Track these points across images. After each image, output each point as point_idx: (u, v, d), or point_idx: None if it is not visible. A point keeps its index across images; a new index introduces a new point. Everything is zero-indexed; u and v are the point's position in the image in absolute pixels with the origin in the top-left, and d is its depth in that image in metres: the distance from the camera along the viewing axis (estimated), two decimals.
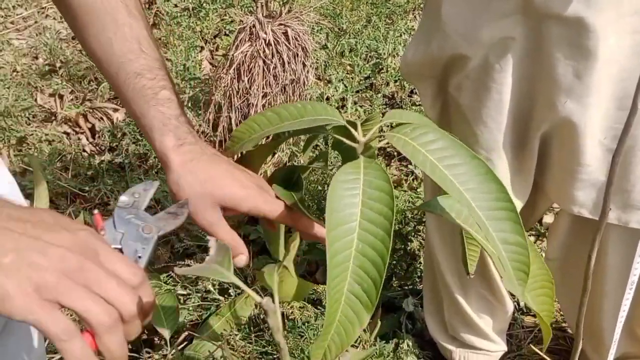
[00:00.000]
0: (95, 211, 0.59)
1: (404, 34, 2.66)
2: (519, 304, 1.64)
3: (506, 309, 1.35)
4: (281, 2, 2.04)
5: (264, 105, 2.01)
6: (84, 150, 2.15)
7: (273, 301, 0.49)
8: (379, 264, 0.55)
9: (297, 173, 0.76)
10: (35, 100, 2.37)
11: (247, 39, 1.93)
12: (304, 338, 1.44)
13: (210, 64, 2.62)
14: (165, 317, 1.29)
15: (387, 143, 0.68)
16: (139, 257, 0.56)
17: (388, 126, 0.73)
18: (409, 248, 1.73)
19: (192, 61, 2.35)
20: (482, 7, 0.91)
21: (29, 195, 1.82)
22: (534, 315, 1.64)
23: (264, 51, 1.92)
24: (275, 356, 1.41)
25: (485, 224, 0.58)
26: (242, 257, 0.70)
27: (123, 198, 0.61)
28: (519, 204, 1.08)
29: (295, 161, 2.02)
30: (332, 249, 0.53)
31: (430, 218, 1.31)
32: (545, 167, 1.05)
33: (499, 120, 0.99)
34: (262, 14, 1.94)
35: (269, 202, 0.68)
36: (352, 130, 0.64)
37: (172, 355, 1.32)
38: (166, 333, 1.29)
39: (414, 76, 1.11)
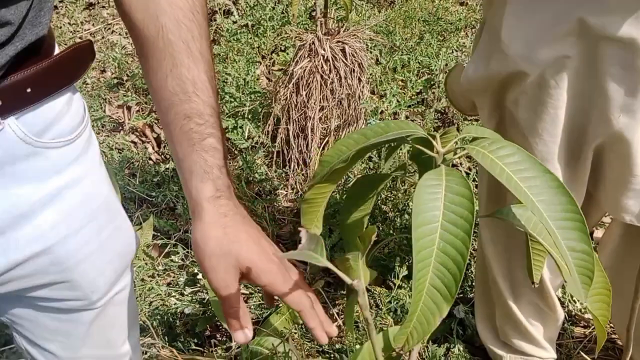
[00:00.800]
0: None
1: (456, 50, 2.72)
2: (569, 315, 1.68)
3: (557, 316, 1.40)
4: (338, 21, 2.13)
5: (320, 118, 2.10)
6: (150, 159, 2.28)
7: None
8: (459, 261, 0.61)
9: (377, 182, 0.84)
10: (104, 111, 2.52)
11: (306, 55, 2.03)
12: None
13: (267, 78, 2.74)
14: None
15: (456, 155, 0.75)
16: None
17: (462, 140, 0.80)
18: None
19: (251, 75, 2.47)
20: (541, 31, 0.98)
21: None
22: (584, 326, 1.67)
23: (322, 67, 2.02)
24: (332, 355, 1.49)
25: (555, 232, 0.64)
26: (246, 332, 0.68)
27: None
28: None
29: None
30: (417, 246, 0.60)
31: (485, 229, 1.37)
32: (599, 178, 1.10)
33: (553, 134, 1.05)
34: (321, 32, 2.04)
35: (287, 283, 0.65)
36: (433, 141, 0.72)
37: (236, 349, 1.41)
38: None
39: (474, 92, 1.18)
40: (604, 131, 1.01)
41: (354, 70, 2.05)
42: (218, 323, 1.57)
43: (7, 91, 0.60)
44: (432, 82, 2.53)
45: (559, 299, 1.72)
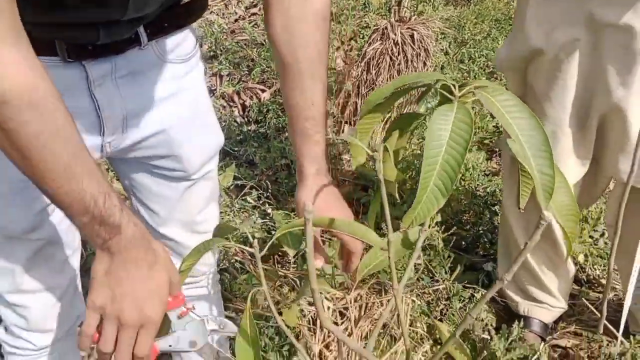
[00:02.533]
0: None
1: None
2: (587, 279, 1.88)
3: (568, 267, 1.62)
4: (412, 10, 2.39)
5: None
6: (235, 121, 2.62)
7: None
8: (455, 167, 0.85)
9: (413, 118, 1.10)
10: None
11: (378, 38, 2.31)
12: None
13: (344, 61, 3.03)
14: (291, 240, 1.68)
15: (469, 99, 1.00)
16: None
17: (475, 87, 1.04)
18: (494, 220, 2.02)
19: (329, 57, 2.76)
20: (558, 18, 1.23)
21: None
22: (599, 292, 1.87)
23: (392, 49, 2.29)
24: None
25: (530, 160, 0.88)
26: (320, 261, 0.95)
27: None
28: (582, 171, 1.37)
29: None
30: (427, 154, 0.85)
31: (506, 191, 1.61)
32: (603, 144, 1.33)
33: (562, 101, 1.29)
34: (394, 18, 2.31)
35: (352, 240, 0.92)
36: (452, 87, 0.97)
37: (294, 267, 1.71)
38: (291, 252, 1.68)
39: (505, 68, 1.43)
40: (606, 102, 1.25)
41: (420, 54, 2.32)
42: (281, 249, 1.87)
43: (153, 25, 0.92)
44: (494, 75, 2.75)
45: (580, 265, 1.94)
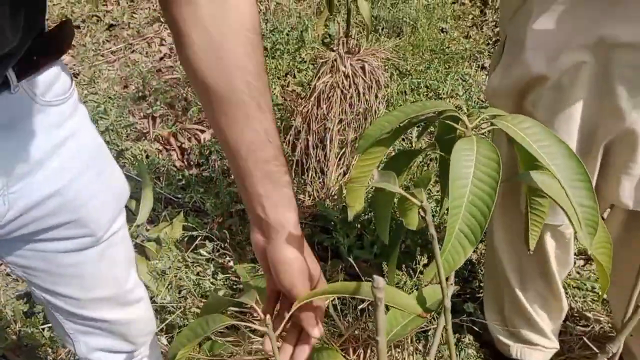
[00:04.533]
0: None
1: (461, 78, 2.90)
2: (571, 313, 1.81)
3: (562, 305, 1.53)
4: (356, 41, 2.30)
5: (338, 130, 2.25)
6: (174, 166, 2.41)
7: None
8: (484, 211, 0.73)
9: (412, 156, 0.97)
10: (129, 119, 2.65)
11: (328, 71, 2.19)
12: None
13: (282, 97, 2.90)
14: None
15: (482, 130, 0.88)
16: None
17: (485, 118, 0.93)
18: (467, 259, 1.92)
19: (271, 92, 2.62)
20: (563, 41, 1.13)
21: (131, 198, 2.07)
22: (584, 325, 1.80)
23: (343, 82, 2.18)
24: None
25: (567, 191, 0.78)
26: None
27: None
28: None
29: None
30: (452, 196, 0.74)
31: (498, 221, 1.51)
32: (604, 170, 1.25)
33: (568, 130, 1.19)
34: (343, 50, 2.20)
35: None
36: (463, 117, 0.85)
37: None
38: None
39: (498, 97, 1.32)
40: (615, 127, 1.16)
41: (371, 86, 2.21)
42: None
43: (20, 61, 0.74)
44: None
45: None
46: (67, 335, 1.01)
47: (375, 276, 0.51)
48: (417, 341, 1.64)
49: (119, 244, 0.95)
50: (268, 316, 0.63)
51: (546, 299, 1.51)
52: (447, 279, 0.80)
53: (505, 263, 1.49)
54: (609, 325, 1.78)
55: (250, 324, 0.68)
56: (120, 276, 0.98)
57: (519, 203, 1.35)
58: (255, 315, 0.65)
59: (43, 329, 1.65)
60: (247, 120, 0.73)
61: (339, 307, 1.62)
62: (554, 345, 1.60)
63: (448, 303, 0.75)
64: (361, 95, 2.21)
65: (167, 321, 1.59)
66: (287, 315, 0.74)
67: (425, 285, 0.90)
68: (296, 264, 0.75)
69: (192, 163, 2.40)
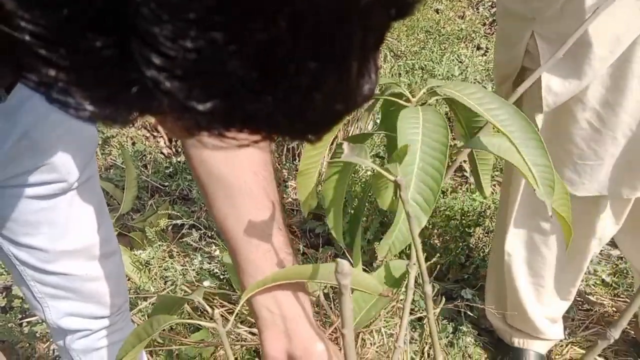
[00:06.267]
0: None
1: (457, 58, 2.82)
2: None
3: (570, 297, 1.45)
4: None
5: None
6: (162, 153, 2.33)
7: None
8: (437, 178, 0.68)
9: (365, 138, 0.89)
10: None
11: None
12: None
13: None
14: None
15: (430, 100, 0.81)
16: None
17: (428, 90, 0.85)
18: (465, 244, 1.85)
19: None
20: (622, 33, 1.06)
21: (116, 186, 2.00)
22: (587, 310, 1.73)
23: None
24: None
25: (521, 151, 0.72)
26: None
27: None
28: None
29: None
30: (400, 166, 0.67)
31: (512, 217, 1.40)
32: None
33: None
34: None
35: None
36: (405, 92, 0.78)
37: None
38: None
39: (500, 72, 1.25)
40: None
41: None
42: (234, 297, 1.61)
43: None
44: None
45: None
46: (36, 300, 0.96)
47: (339, 260, 0.44)
48: (413, 330, 1.57)
49: (90, 191, 0.92)
50: (217, 311, 0.56)
51: (547, 293, 1.43)
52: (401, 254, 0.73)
53: (514, 257, 1.41)
54: (613, 309, 1.71)
55: (198, 321, 0.61)
56: (90, 226, 0.94)
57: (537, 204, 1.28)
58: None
59: (21, 324, 1.58)
60: (258, 212, 0.68)
61: (330, 296, 1.55)
62: (557, 336, 1.53)
63: (428, 288, 0.67)
64: None
65: (148, 311, 1.52)
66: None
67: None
68: (332, 349, 0.64)
69: (179, 150, 2.32)
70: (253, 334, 1.40)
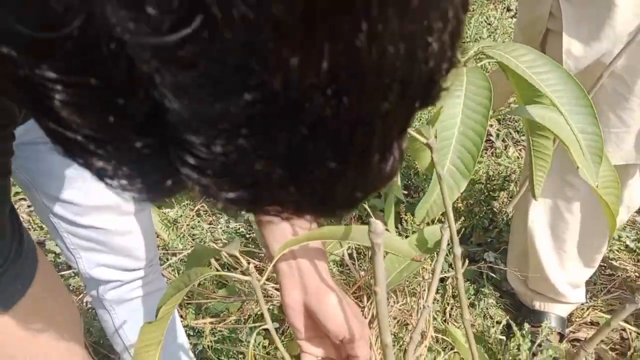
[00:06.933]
0: None
1: (485, 20, 2.77)
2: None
3: (594, 264, 1.46)
4: None
5: None
6: None
7: None
8: (477, 142, 0.68)
9: None
10: None
11: None
12: None
13: None
14: None
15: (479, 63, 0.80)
16: None
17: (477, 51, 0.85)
18: (489, 208, 1.85)
19: None
20: None
21: None
22: (610, 275, 1.73)
23: None
24: None
25: (567, 117, 0.71)
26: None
27: None
28: None
29: None
30: (440, 129, 0.67)
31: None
32: None
33: None
34: None
35: None
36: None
37: None
38: None
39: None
40: None
41: None
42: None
43: None
44: (463, 50, 2.58)
45: None
46: (69, 251, 1.00)
47: (372, 220, 0.45)
48: (435, 291, 1.60)
49: None
50: (251, 265, 0.58)
51: (571, 259, 1.43)
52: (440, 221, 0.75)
53: (537, 221, 1.41)
54: (636, 274, 1.71)
55: (234, 274, 0.63)
56: None
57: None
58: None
59: None
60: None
61: (355, 256, 1.57)
62: (578, 300, 1.54)
63: (458, 250, 0.69)
64: None
65: (178, 266, 1.57)
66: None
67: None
68: (345, 301, 0.68)
69: None
70: (278, 290, 1.44)
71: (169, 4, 0.20)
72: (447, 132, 0.70)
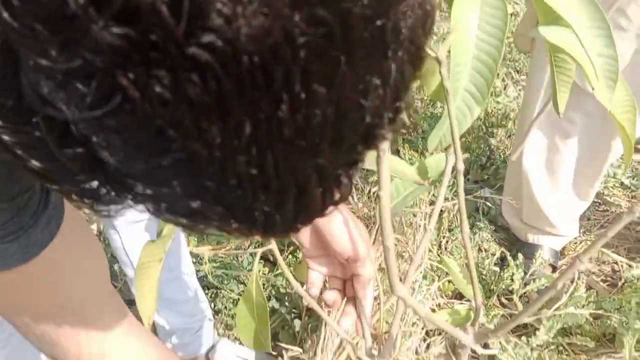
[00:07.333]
0: None
1: None
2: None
3: (589, 198, 1.49)
4: None
5: None
6: None
7: None
8: (492, 67, 0.67)
9: None
10: None
11: None
12: None
13: None
14: None
15: None
16: None
17: None
18: (487, 145, 1.87)
19: None
20: None
21: None
22: (604, 210, 1.76)
23: None
24: None
25: (582, 39, 0.70)
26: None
27: None
28: None
29: None
30: (453, 53, 0.67)
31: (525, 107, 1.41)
32: None
33: None
34: None
35: None
36: None
37: None
38: None
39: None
40: None
41: None
42: None
43: None
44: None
45: None
46: None
47: None
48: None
49: None
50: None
51: (564, 193, 1.46)
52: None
53: (533, 155, 1.43)
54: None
55: None
56: None
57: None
58: None
59: None
60: None
61: (353, 188, 1.60)
62: (571, 233, 1.57)
63: (461, 165, 0.70)
64: None
65: None
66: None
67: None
68: (359, 226, 0.69)
69: None
70: None
71: (89, 85, 0.22)
72: (462, 56, 0.68)
